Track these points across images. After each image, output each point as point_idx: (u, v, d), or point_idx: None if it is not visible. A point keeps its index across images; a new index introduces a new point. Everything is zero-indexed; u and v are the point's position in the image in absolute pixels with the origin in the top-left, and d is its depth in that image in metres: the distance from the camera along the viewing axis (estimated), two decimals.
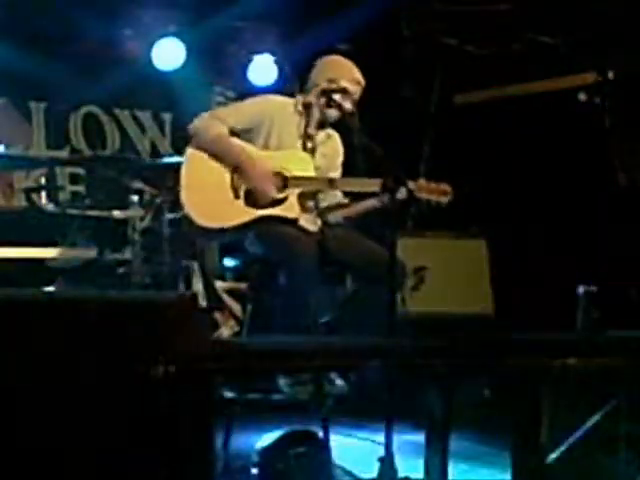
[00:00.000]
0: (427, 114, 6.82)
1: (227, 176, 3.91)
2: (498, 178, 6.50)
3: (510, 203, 6.42)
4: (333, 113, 4.01)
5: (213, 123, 3.93)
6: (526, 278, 6.11)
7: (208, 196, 3.89)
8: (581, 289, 4.53)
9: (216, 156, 3.91)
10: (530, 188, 6.34)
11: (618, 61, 5.48)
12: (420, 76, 6.84)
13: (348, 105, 3.98)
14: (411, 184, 3.78)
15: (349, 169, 4.15)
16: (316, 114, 4.06)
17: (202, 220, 3.90)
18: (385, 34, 6.61)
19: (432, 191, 3.90)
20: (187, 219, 3.89)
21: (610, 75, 5.24)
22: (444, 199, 3.92)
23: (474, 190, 3.98)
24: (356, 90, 4.03)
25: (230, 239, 3.98)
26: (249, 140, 3.98)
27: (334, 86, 4.00)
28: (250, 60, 6.93)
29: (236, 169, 3.90)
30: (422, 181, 3.91)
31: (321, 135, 4.12)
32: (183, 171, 3.96)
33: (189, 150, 3.97)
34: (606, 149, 5.21)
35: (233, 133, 3.97)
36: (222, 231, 3.91)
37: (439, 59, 6.76)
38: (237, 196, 3.89)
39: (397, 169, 3.52)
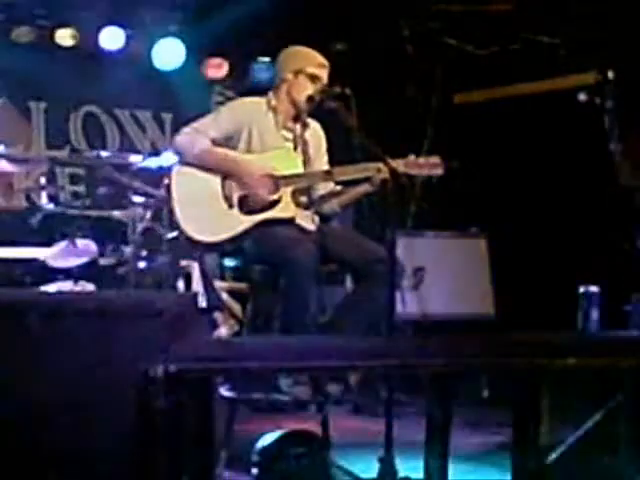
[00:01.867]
0: (427, 114, 6.82)
1: (218, 187, 3.91)
2: (498, 178, 6.50)
3: (510, 203, 6.42)
4: (308, 100, 4.02)
5: (196, 137, 3.93)
6: (526, 278, 6.10)
7: (202, 210, 3.89)
8: (581, 289, 4.54)
9: (204, 169, 3.91)
10: (530, 188, 6.34)
11: (618, 61, 5.48)
12: (420, 76, 6.84)
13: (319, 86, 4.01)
14: (401, 162, 3.79)
15: (340, 158, 4.15)
16: (290, 107, 4.08)
17: (199, 235, 3.90)
18: (385, 34, 6.61)
19: (423, 166, 3.89)
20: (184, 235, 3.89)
21: (610, 75, 5.23)
22: (436, 172, 3.90)
23: (465, 172, 3.96)
24: (323, 73, 4.05)
25: (230, 248, 3.98)
26: (232, 147, 3.99)
27: (303, 74, 4.02)
28: (250, 60, 6.94)
29: (226, 178, 3.90)
30: (412, 157, 3.90)
31: (300, 127, 4.13)
32: (173, 189, 3.95)
33: (175, 167, 3.98)
34: (606, 149, 5.20)
35: (215, 143, 3.98)
36: (221, 243, 3.91)
37: (439, 59, 6.76)
38: (231, 205, 3.89)
39: (381, 153, 3.54)
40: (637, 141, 5.31)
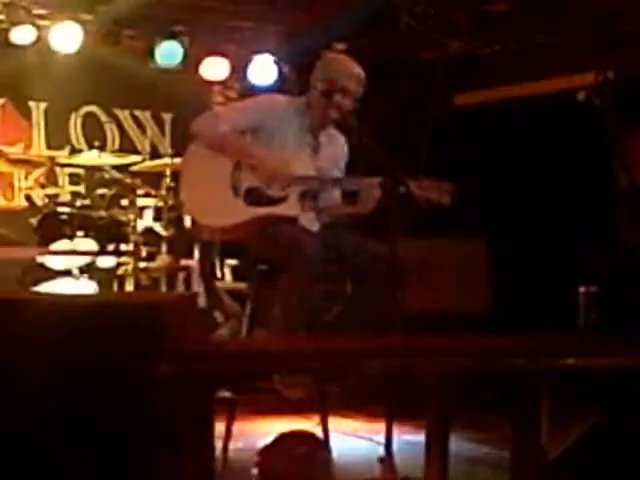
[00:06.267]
0: (427, 114, 6.82)
1: (228, 174, 3.90)
2: (497, 178, 6.49)
3: (510, 203, 6.41)
4: (333, 114, 3.99)
5: (216, 121, 3.93)
6: (526, 278, 6.10)
7: (208, 194, 3.89)
8: (581, 289, 4.53)
9: (220, 152, 3.90)
10: (530, 188, 6.33)
11: (618, 61, 5.48)
12: (420, 76, 6.84)
13: (347, 103, 3.96)
14: (411, 183, 3.77)
15: (349, 168, 4.15)
16: (317, 115, 4.05)
17: (201, 218, 3.90)
18: (384, 33, 6.61)
19: (433, 190, 3.87)
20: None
21: (610, 75, 5.23)
22: (445, 199, 3.88)
23: (473, 193, 3.95)
24: (356, 87, 4.00)
25: (230, 238, 3.98)
26: (252, 140, 3.98)
27: (333, 87, 3.97)
28: (250, 60, 6.94)
29: (238, 165, 3.89)
30: (423, 180, 3.89)
31: (324, 136, 4.11)
32: (183, 169, 3.96)
33: (190, 148, 3.97)
34: (606, 150, 5.20)
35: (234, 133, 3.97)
36: (222, 230, 3.91)
37: (439, 59, 6.76)
38: (237, 194, 3.89)
39: (397, 169, 3.51)
40: (636, 141, 5.31)
